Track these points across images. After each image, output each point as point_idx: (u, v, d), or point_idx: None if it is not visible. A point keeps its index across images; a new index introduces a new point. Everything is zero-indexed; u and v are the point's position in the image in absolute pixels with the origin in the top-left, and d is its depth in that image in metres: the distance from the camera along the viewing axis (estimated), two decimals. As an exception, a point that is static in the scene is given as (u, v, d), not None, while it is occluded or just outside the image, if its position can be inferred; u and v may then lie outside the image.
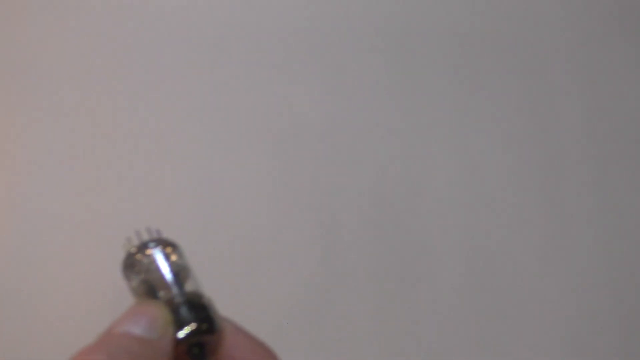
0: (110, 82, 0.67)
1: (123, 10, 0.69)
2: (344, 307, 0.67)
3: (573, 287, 0.81)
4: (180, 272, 0.42)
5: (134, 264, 0.42)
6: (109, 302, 0.68)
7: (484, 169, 0.81)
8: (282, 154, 0.70)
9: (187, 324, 0.39)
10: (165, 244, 0.42)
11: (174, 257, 0.42)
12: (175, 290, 0.40)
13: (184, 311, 0.39)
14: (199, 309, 0.39)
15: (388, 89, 0.81)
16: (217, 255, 0.67)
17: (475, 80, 0.82)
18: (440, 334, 0.75)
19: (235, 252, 0.67)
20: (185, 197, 0.69)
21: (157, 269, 0.41)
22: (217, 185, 0.69)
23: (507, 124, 0.82)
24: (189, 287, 0.41)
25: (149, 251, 0.42)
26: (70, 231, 0.69)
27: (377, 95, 0.80)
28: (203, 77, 0.69)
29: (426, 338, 0.71)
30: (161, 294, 0.40)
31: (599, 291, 0.81)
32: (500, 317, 0.79)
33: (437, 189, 0.80)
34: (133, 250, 0.42)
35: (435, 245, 0.78)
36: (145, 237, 0.43)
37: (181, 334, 0.38)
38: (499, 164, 0.81)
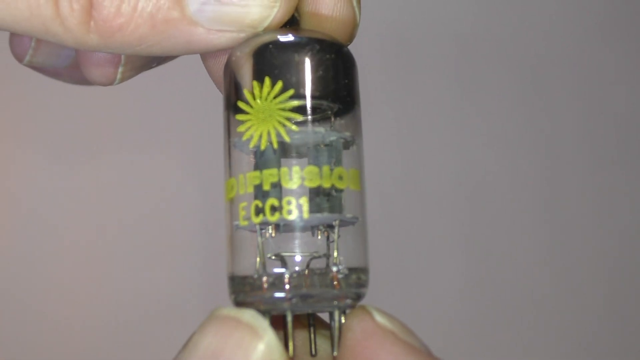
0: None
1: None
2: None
3: (571, 286, 0.78)
4: None
5: None
6: (109, 302, 0.69)
7: (483, 170, 0.80)
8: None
9: None
10: None
11: None
12: None
13: None
14: None
15: (388, 89, 0.79)
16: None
17: (474, 83, 0.81)
18: (440, 334, 0.75)
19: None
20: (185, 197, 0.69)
21: None
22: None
23: (506, 126, 0.81)
24: None
25: None
26: (71, 232, 0.70)
27: (376, 95, 0.79)
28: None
29: (426, 338, 0.70)
30: None
31: (597, 290, 0.78)
32: (499, 316, 0.77)
33: (437, 189, 0.78)
34: None
35: (436, 245, 0.78)
36: None
37: None
38: (498, 164, 0.80)
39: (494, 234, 0.78)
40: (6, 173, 0.72)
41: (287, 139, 0.28)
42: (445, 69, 0.79)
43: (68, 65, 0.37)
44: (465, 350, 0.75)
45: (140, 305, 0.72)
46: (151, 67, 0.37)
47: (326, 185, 0.28)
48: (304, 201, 0.28)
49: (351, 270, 0.28)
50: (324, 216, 0.28)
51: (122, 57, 0.34)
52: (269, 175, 0.28)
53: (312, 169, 0.28)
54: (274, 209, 0.27)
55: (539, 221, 0.79)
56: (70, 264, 0.71)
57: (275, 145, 0.28)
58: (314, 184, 0.28)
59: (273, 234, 0.28)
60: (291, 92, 0.28)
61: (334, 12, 0.31)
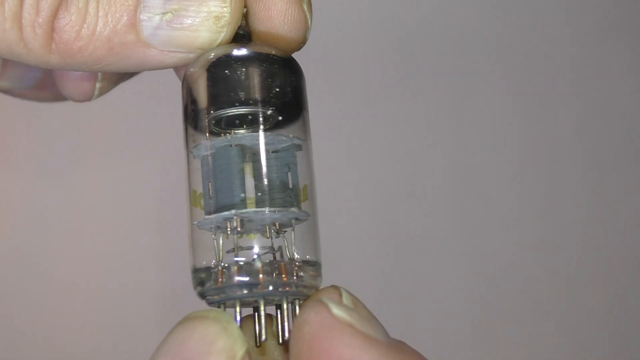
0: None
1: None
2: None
3: (570, 287, 0.79)
4: None
5: None
6: (108, 302, 0.69)
7: (483, 170, 0.81)
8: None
9: None
10: None
11: None
12: None
13: None
14: None
15: (387, 90, 0.80)
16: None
17: (473, 83, 0.81)
18: (439, 335, 0.75)
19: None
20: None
21: None
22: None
23: (505, 126, 0.82)
24: None
25: None
26: (71, 232, 0.70)
27: (376, 95, 0.80)
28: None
29: (426, 338, 0.69)
30: None
31: (596, 291, 0.79)
32: (499, 317, 0.78)
33: (436, 189, 0.79)
34: None
35: (435, 245, 0.78)
36: None
37: None
38: (497, 165, 0.81)
39: (493, 234, 0.78)
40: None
41: None
42: (444, 68, 0.80)
43: (33, 86, 0.39)
44: (466, 350, 0.76)
45: (134, 306, 0.73)
46: (124, 80, 0.38)
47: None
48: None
49: (307, 262, 0.30)
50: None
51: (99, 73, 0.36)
52: None
53: None
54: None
55: (539, 221, 0.80)
56: (65, 264, 0.72)
57: None
58: None
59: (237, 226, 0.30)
60: None
61: (286, 17, 0.32)
